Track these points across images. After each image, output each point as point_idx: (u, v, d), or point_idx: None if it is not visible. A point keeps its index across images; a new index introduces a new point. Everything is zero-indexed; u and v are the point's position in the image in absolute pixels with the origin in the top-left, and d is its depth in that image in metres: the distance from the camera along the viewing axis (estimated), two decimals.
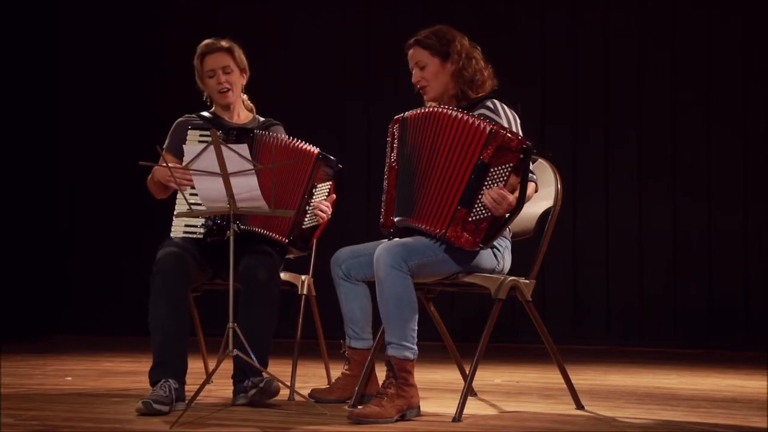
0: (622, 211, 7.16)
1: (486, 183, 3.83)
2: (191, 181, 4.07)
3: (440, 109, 3.96)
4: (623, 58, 7.18)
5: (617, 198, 7.18)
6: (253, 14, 7.75)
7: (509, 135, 3.81)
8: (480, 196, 3.83)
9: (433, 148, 3.93)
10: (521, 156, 3.81)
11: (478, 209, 3.84)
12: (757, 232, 6.91)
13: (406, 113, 4.04)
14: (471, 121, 3.86)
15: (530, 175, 3.96)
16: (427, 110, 3.99)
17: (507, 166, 3.82)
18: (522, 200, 3.85)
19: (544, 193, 4.23)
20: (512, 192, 3.84)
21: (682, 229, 7.05)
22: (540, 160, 4.32)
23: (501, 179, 3.83)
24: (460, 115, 3.90)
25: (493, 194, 3.81)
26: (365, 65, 7.58)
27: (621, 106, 7.19)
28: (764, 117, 6.93)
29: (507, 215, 3.86)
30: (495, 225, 3.87)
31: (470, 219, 3.85)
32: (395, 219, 4.00)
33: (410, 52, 4.15)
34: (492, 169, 3.82)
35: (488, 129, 3.82)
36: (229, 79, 4.44)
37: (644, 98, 7.15)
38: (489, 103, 4.05)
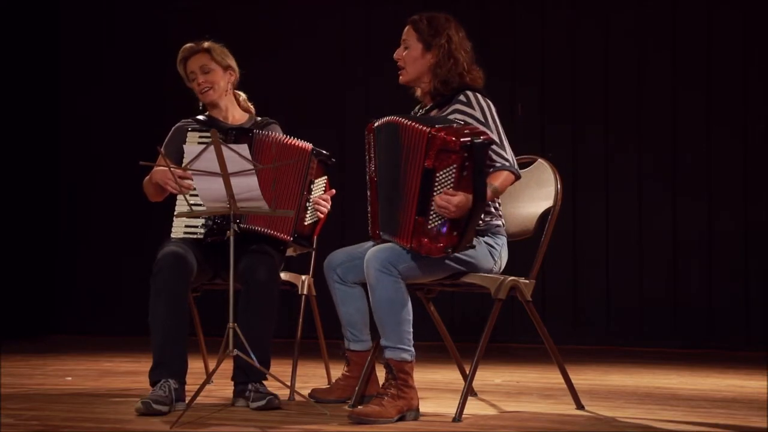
0: (622, 211, 7.16)
1: (435, 188, 3.79)
2: (191, 185, 4.08)
3: (398, 119, 3.94)
4: (623, 58, 7.18)
5: (617, 198, 7.18)
6: (253, 14, 7.76)
7: (448, 137, 3.74)
8: (432, 202, 3.80)
9: (398, 159, 3.91)
10: (465, 154, 3.75)
11: (433, 216, 3.81)
12: (757, 232, 6.91)
13: (378, 121, 4.02)
14: (418, 128, 3.82)
15: (502, 163, 3.92)
16: (391, 119, 3.97)
17: (451, 168, 3.77)
18: (480, 196, 3.78)
19: (544, 193, 4.23)
20: (466, 191, 3.78)
21: (682, 229, 7.05)
22: (540, 160, 4.32)
23: (448, 182, 3.78)
24: (410, 123, 3.86)
25: (438, 201, 3.78)
26: (365, 65, 7.58)
27: (621, 106, 7.19)
28: (764, 117, 6.93)
29: (469, 214, 3.79)
30: (458, 227, 3.81)
31: (429, 227, 3.81)
32: (381, 233, 4.01)
33: (405, 28, 4.17)
34: (437, 174, 3.78)
35: (427, 134, 3.77)
36: (207, 78, 4.44)
37: (644, 98, 7.15)
38: (462, 96, 4.03)
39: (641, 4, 7.17)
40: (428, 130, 3.77)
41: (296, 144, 4.31)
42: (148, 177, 4.42)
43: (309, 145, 4.31)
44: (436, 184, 3.79)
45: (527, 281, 4.11)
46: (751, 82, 6.95)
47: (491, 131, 3.93)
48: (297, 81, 7.67)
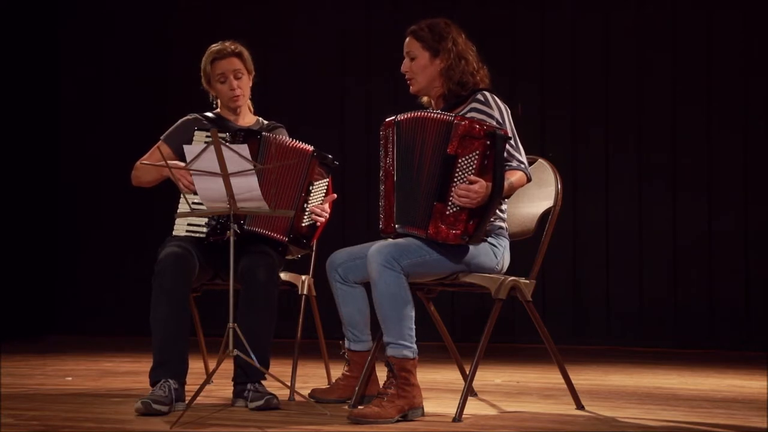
0: (622, 211, 7.16)
1: (456, 174, 3.83)
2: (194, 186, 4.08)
3: (426, 114, 3.97)
4: (623, 58, 7.18)
5: (617, 198, 7.18)
6: (253, 14, 7.76)
7: (472, 124, 3.82)
8: (453, 189, 3.84)
9: (422, 152, 3.93)
10: (488, 142, 3.81)
11: (453, 202, 3.85)
12: (757, 232, 6.91)
13: (399, 117, 4.03)
14: (441, 117, 3.89)
15: (518, 164, 3.97)
16: (416, 114, 3.99)
17: (474, 154, 3.82)
18: (498, 186, 3.84)
19: (544, 193, 4.23)
20: (486, 179, 3.82)
21: (682, 229, 7.05)
22: (540, 160, 4.32)
23: (470, 169, 3.83)
24: (433, 115, 3.92)
25: (459, 191, 3.82)
26: (365, 65, 7.58)
27: (621, 106, 7.19)
28: (764, 117, 6.93)
29: (486, 204, 3.84)
30: (475, 216, 3.86)
31: (447, 213, 3.85)
32: (396, 226, 4.00)
33: (406, 40, 4.17)
34: (460, 160, 3.83)
35: (451, 121, 3.83)
36: (240, 84, 4.44)
37: (644, 98, 7.15)
38: (479, 96, 4.05)
39: (641, 4, 7.17)
40: (452, 117, 3.84)
41: (299, 146, 4.31)
42: (151, 164, 4.36)
43: (310, 148, 4.31)
44: (458, 170, 3.83)
45: (527, 281, 4.11)
46: (751, 82, 6.95)
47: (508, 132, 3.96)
48: (297, 81, 7.66)
